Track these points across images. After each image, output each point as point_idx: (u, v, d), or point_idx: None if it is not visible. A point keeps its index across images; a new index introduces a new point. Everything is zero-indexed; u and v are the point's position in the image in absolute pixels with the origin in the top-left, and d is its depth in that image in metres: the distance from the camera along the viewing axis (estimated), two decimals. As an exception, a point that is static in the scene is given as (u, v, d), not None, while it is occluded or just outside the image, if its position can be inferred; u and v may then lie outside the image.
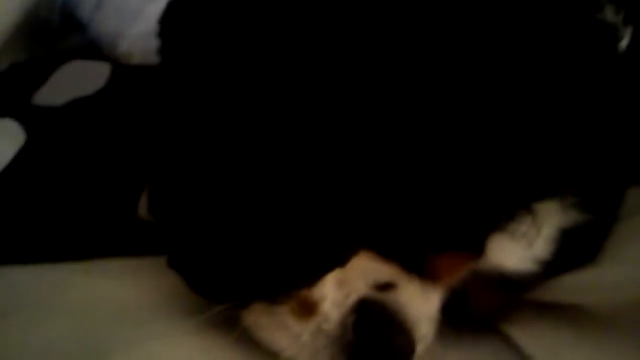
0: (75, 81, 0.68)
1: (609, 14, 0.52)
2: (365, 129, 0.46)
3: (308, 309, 0.48)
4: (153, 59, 0.65)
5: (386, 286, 0.49)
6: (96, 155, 0.61)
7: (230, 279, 0.48)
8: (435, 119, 0.46)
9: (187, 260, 0.50)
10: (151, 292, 0.54)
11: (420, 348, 0.50)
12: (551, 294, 0.55)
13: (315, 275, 0.47)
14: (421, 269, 0.50)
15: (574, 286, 0.54)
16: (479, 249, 0.49)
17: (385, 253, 0.49)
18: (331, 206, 0.46)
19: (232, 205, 0.47)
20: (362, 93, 0.46)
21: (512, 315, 0.55)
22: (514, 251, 0.50)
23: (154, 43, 0.62)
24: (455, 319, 0.53)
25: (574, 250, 0.53)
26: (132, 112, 0.63)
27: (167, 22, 0.56)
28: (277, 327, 0.48)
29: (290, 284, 0.47)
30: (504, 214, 0.48)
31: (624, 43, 0.52)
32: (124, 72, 0.69)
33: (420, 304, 0.50)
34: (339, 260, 0.47)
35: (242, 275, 0.47)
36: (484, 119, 0.47)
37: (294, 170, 0.46)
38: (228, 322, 0.50)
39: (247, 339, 0.50)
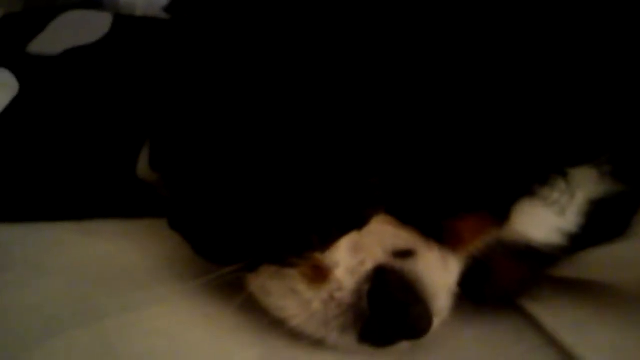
0: (74, 31, 0.65)
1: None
2: (386, 85, 0.44)
3: (320, 275, 0.45)
4: (156, 10, 0.63)
5: (404, 253, 0.46)
6: (93, 108, 0.59)
7: (237, 238, 0.45)
8: (465, 74, 0.43)
9: (190, 219, 0.47)
10: (149, 254, 0.52)
11: (437, 321, 0.47)
12: (575, 270, 0.52)
13: (332, 236, 0.44)
14: (441, 235, 0.47)
15: (600, 262, 0.52)
16: (503, 214, 0.46)
17: (404, 218, 0.46)
18: (350, 161, 0.43)
19: (241, 159, 0.44)
20: (387, 51, 0.44)
21: (533, 291, 0.53)
22: (543, 219, 0.47)
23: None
24: (474, 293, 0.50)
25: (603, 223, 0.50)
26: (133, 63, 0.60)
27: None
28: (286, 292, 0.45)
29: (304, 245, 0.44)
30: (536, 176, 0.45)
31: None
32: (126, 22, 0.65)
33: (440, 274, 0.47)
34: (358, 221, 0.44)
35: (251, 234, 0.44)
36: (518, 75, 0.44)
37: (310, 121, 0.43)
38: (232, 286, 0.47)
39: (253, 305, 0.47)
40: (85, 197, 0.56)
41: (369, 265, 0.45)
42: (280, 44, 0.46)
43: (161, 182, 0.53)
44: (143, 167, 0.56)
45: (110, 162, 0.56)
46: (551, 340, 0.51)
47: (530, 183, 0.45)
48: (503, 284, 0.51)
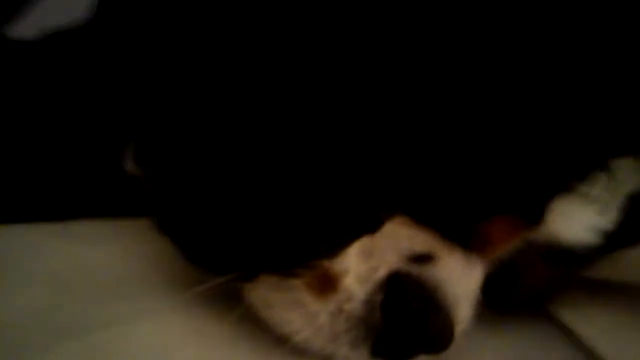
0: (55, 12, 0.60)
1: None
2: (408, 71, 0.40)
3: (327, 284, 0.41)
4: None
5: (422, 258, 0.42)
6: (75, 97, 0.54)
7: (234, 244, 0.41)
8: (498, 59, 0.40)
9: (181, 221, 0.43)
10: (138, 260, 0.49)
11: (458, 332, 0.43)
12: (611, 272, 0.49)
13: (341, 243, 0.40)
14: (466, 239, 0.42)
15: (638, 263, 0.49)
16: (537, 214, 0.42)
17: (423, 218, 0.42)
18: (362, 158, 0.39)
19: (240, 153, 0.41)
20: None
21: (565, 296, 0.49)
22: (580, 218, 0.43)
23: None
24: (500, 299, 0.46)
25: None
26: (120, 49, 0.55)
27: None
28: (289, 304, 0.41)
29: (309, 253, 0.40)
30: (575, 173, 0.41)
31: None
32: (114, 5, 0.60)
33: (462, 280, 0.42)
34: (370, 224, 0.40)
35: (249, 240, 0.41)
36: (555, 61, 0.40)
37: (314, 112, 0.39)
38: (229, 297, 0.43)
39: (252, 319, 0.43)
40: (69, 196, 0.52)
41: (382, 272, 0.41)
42: (279, 40, 0.43)
43: (148, 177, 0.49)
44: (131, 161, 0.51)
45: (94, 156, 0.52)
46: (585, 350, 0.47)
47: (568, 179, 0.42)
48: (532, 288, 0.47)
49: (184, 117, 0.45)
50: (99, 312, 0.44)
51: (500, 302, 0.46)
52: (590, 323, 0.48)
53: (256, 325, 0.43)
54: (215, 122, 0.43)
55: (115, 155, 0.50)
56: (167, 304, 0.45)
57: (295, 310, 0.41)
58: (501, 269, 0.45)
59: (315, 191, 0.40)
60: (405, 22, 0.41)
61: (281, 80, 0.41)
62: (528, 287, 0.47)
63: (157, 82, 0.48)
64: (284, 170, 0.40)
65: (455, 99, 0.40)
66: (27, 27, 0.60)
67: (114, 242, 0.49)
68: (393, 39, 0.40)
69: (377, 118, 0.39)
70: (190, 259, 0.43)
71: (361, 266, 0.41)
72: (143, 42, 0.52)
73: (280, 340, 0.42)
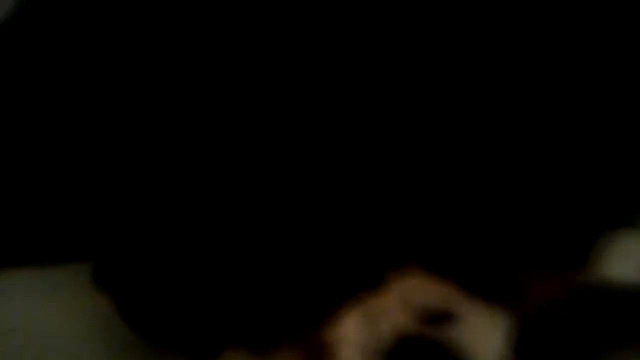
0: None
1: None
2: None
3: (320, 355, 0.34)
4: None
5: (440, 318, 0.35)
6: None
7: (196, 310, 0.34)
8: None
9: (120, 277, 0.36)
10: (81, 317, 0.41)
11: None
12: None
13: (333, 306, 0.34)
14: (494, 293, 0.36)
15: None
16: (584, 257, 0.36)
17: (440, 269, 0.36)
18: (359, 199, 0.33)
19: (198, 195, 0.35)
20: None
21: (613, 350, 0.41)
22: (635, 257, 0.37)
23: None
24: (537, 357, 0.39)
25: None
26: (53, 51, 0.47)
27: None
28: None
29: (293, 322, 0.33)
30: (630, 202, 0.35)
31: None
32: None
33: (489, 343, 0.36)
34: (371, 280, 0.34)
35: (216, 303, 0.34)
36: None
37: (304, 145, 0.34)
38: None
39: None
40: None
41: (389, 337, 0.34)
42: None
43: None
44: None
45: (25, 187, 0.44)
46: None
47: (622, 210, 0.36)
48: (577, 344, 0.40)
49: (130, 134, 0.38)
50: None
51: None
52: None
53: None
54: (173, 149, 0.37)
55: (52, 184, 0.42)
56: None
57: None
58: (539, 323, 0.38)
59: (300, 238, 0.33)
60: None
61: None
62: (573, 343, 0.40)
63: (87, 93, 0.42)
64: (258, 210, 0.33)
65: (477, 115, 0.34)
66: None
67: (51, 294, 0.42)
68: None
69: (380, 141, 0.33)
70: (135, 327, 0.36)
71: (363, 331, 0.34)
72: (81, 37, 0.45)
73: None
